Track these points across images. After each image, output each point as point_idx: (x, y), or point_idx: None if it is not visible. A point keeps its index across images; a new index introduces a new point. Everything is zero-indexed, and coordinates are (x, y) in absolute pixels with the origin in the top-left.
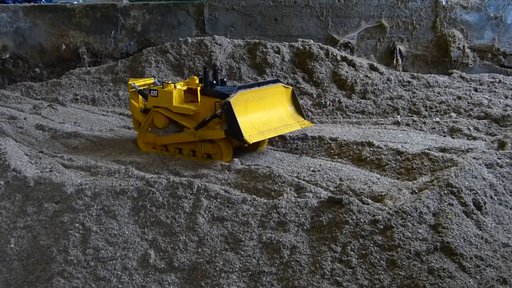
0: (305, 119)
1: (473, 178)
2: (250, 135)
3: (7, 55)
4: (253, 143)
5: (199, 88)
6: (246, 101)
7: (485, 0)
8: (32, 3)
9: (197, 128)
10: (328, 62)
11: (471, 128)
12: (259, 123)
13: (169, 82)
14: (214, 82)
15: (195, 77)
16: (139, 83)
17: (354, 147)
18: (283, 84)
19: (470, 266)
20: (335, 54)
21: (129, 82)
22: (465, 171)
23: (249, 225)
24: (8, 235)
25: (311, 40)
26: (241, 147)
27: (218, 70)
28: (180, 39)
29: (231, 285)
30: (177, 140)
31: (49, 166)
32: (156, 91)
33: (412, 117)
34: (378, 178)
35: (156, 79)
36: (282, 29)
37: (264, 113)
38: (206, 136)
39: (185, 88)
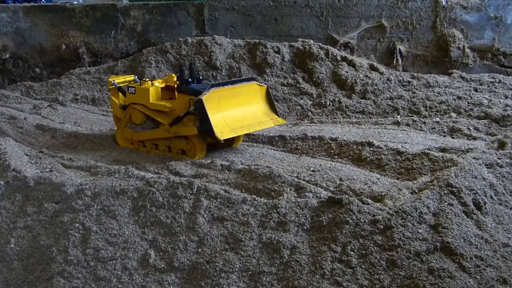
0: (278, 116)
1: (473, 178)
2: (222, 132)
3: (7, 55)
4: (228, 140)
5: (175, 86)
6: (219, 98)
7: (485, 0)
8: (32, 3)
9: (171, 124)
10: (328, 62)
11: (471, 128)
12: (232, 120)
13: (147, 80)
14: (190, 79)
15: (173, 74)
16: (119, 80)
17: (354, 147)
18: (258, 82)
19: (470, 266)
20: (335, 54)
21: (109, 79)
22: (465, 171)
23: (249, 225)
24: (8, 235)
25: (311, 40)
26: (216, 143)
27: (194, 67)
28: (180, 39)
29: (231, 285)
30: (153, 136)
31: (49, 166)
32: (134, 88)
33: (412, 117)
34: (378, 178)
35: (136, 77)
36: (282, 29)
37: (237, 110)
38: (180, 132)
39: (163, 85)
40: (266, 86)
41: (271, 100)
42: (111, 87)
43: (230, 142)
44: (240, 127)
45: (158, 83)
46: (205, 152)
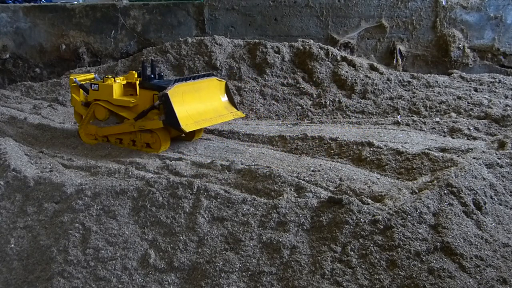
0: (237, 110)
1: (473, 178)
2: (187, 124)
3: (7, 55)
4: (189, 133)
5: (137, 82)
6: (182, 93)
7: (485, 0)
8: (32, 3)
9: (136, 119)
10: (328, 62)
11: (471, 128)
12: (195, 113)
13: (109, 77)
14: (152, 76)
15: (134, 72)
16: (80, 78)
17: (354, 147)
18: (217, 78)
19: (470, 266)
20: (335, 54)
21: (70, 77)
22: (465, 171)
23: (249, 225)
24: (8, 235)
25: (311, 40)
26: (178, 137)
27: (155, 64)
28: (180, 39)
29: (231, 285)
30: (118, 131)
31: (49, 166)
32: (97, 85)
33: (412, 117)
34: (378, 178)
35: (96, 74)
36: (282, 29)
37: (199, 104)
38: (145, 126)
39: (124, 82)
40: (225, 81)
41: (230, 95)
42: (72, 84)
43: (190, 136)
44: (202, 120)
45: (120, 80)
46: (169, 144)
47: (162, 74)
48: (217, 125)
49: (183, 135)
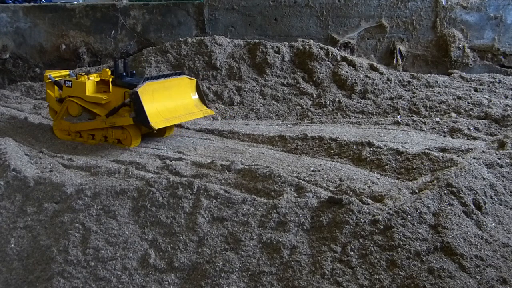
0: (208, 108)
1: (473, 178)
2: (156, 122)
3: (7, 55)
4: (160, 130)
5: (110, 79)
6: (152, 91)
7: (485, 0)
8: (32, 3)
9: (108, 115)
10: (328, 62)
11: (471, 128)
12: (164, 110)
13: (83, 74)
14: (124, 74)
15: (108, 69)
16: (54, 74)
17: (354, 147)
18: (188, 76)
19: (470, 266)
20: (335, 54)
21: (45, 74)
22: (465, 171)
23: (249, 225)
24: (8, 235)
25: (311, 40)
26: (150, 133)
27: (127, 62)
28: (180, 39)
29: (231, 285)
30: (90, 127)
31: (49, 166)
32: (71, 82)
33: (412, 117)
34: (378, 178)
35: (71, 71)
36: (282, 29)
37: (169, 102)
38: (116, 122)
39: (98, 79)
40: (195, 80)
41: (200, 93)
42: (47, 81)
43: (162, 133)
44: (172, 117)
45: (94, 77)
46: (139, 141)
47: (134, 72)
48: (217, 125)
49: (154, 131)
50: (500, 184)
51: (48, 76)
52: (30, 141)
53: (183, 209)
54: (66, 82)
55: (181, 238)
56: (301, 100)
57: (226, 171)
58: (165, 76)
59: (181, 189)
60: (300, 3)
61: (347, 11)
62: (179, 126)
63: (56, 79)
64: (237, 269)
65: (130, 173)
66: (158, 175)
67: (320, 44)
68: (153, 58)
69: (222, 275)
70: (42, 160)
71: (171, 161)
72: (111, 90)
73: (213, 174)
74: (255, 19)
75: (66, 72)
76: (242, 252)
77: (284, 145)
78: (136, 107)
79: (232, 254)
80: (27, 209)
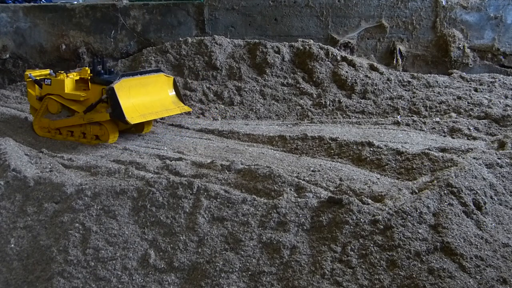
0: (184, 105)
1: (473, 178)
2: (132, 117)
3: (7, 55)
4: (138, 126)
5: (89, 77)
6: (129, 87)
7: (485, 0)
8: (32, 3)
9: (85, 111)
10: (328, 62)
11: (471, 128)
12: (141, 106)
13: (62, 72)
14: (102, 71)
15: (87, 68)
16: (35, 73)
17: (354, 147)
18: (165, 74)
19: (470, 266)
20: (335, 54)
21: (25, 73)
22: (465, 171)
23: (249, 225)
24: (8, 235)
25: (311, 40)
26: (128, 130)
27: (105, 60)
28: (180, 39)
29: (231, 285)
30: (69, 124)
31: (49, 166)
32: (50, 80)
33: (412, 117)
34: (378, 178)
35: (51, 71)
36: (282, 29)
37: (146, 98)
38: (94, 118)
39: (78, 78)
40: (173, 77)
41: (177, 90)
42: (27, 80)
43: (140, 129)
44: (149, 113)
45: (73, 76)
46: (117, 136)
47: (112, 69)
48: (217, 125)
49: (132, 128)
50: (500, 184)
51: (29, 75)
52: (30, 141)
53: (183, 209)
54: (46, 80)
55: (181, 238)
56: (301, 100)
57: (226, 171)
58: (141, 73)
59: (181, 189)
60: (300, 3)
61: (347, 11)
62: (155, 121)
63: (36, 78)
64: (237, 269)
65: (130, 173)
66: (158, 175)
67: (320, 44)
68: (153, 58)
69: (222, 275)
70: (42, 160)
71: (171, 161)
72: (90, 88)
73: (213, 174)
74: (255, 19)
75: (47, 71)
76: (242, 252)
77: (284, 145)
78: (113, 102)
79: (232, 254)
80: (27, 209)
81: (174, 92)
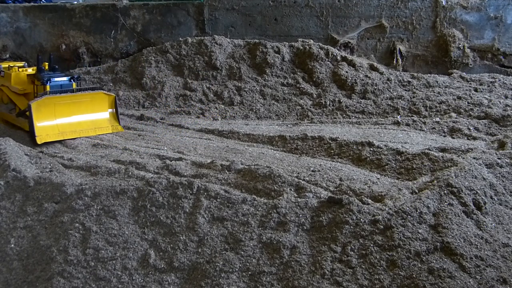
0: (119, 125)
1: (473, 178)
2: (48, 135)
3: (7, 55)
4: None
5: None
6: (55, 104)
7: (485, 0)
8: (32, 3)
9: (17, 115)
10: (328, 62)
11: (471, 128)
12: (65, 125)
13: (18, 65)
14: (42, 68)
15: (46, 63)
16: (4, 65)
17: (354, 147)
18: (105, 92)
19: (470, 266)
20: (335, 54)
21: None
22: (465, 171)
23: (249, 225)
24: (8, 235)
25: (311, 40)
26: None
27: (52, 57)
28: (180, 39)
29: (231, 285)
30: (8, 119)
31: (49, 166)
32: (3, 72)
33: (412, 117)
34: (378, 178)
35: (26, 64)
36: (282, 29)
37: (75, 116)
38: (21, 125)
39: (34, 72)
40: (114, 95)
41: (116, 109)
42: None
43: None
44: (71, 131)
45: (25, 70)
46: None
47: (56, 67)
48: (217, 125)
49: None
50: (500, 184)
51: None
52: (30, 141)
53: (183, 209)
54: (1, 72)
55: (181, 238)
56: (301, 100)
57: (226, 171)
58: (78, 90)
59: (181, 189)
60: (300, 3)
61: (347, 11)
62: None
63: (3, 68)
64: (237, 269)
65: (130, 173)
66: (158, 175)
67: (320, 44)
68: (153, 58)
69: (222, 275)
70: (42, 160)
71: (171, 161)
72: (35, 83)
73: (213, 174)
74: (255, 19)
75: (21, 63)
76: (242, 252)
77: (284, 145)
78: (29, 119)
79: (232, 254)
80: (27, 209)
81: (112, 110)
